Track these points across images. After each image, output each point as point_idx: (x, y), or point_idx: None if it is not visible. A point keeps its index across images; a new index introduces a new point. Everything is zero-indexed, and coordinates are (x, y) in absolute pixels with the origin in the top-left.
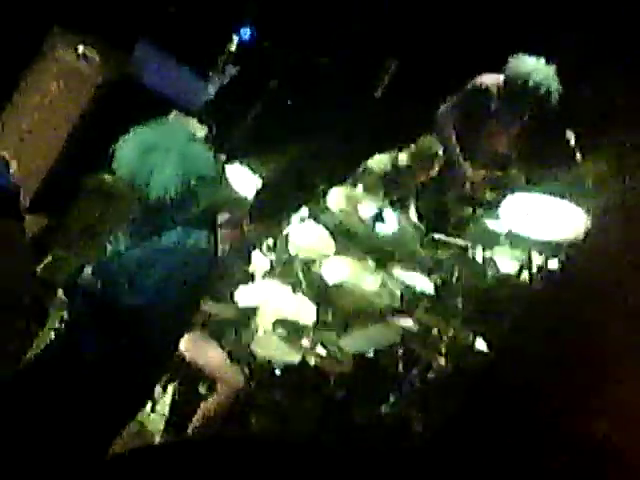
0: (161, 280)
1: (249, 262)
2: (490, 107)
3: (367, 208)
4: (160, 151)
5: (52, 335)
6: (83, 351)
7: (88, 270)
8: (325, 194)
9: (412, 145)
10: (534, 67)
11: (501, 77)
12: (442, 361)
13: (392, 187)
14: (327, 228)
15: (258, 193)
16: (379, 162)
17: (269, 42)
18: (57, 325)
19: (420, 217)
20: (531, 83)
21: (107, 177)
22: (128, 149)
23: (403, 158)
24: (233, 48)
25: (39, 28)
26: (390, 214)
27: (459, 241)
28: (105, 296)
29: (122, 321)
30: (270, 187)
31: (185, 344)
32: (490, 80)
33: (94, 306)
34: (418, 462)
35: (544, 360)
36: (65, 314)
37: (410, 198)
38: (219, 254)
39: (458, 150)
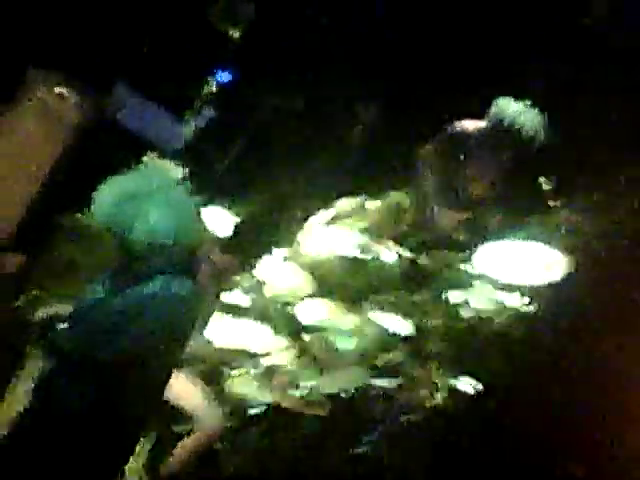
0: (143, 331)
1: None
2: (470, 151)
3: (344, 246)
4: (141, 198)
5: (29, 386)
6: (61, 404)
7: (62, 322)
8: (300, 233)
9: (380, 201)
10: (519, 111)
11: (481, 123)
12: (420, 403)
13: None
14: (303, 269)
15: (234, 231)
16: (347, 206)
17: (247, 84)
18: (34, 374)
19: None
20: (515, 128)
21: (84, 218)
22: (107, 196)
23: (371, 206)
24: (211, 90)
25: (15, 68)
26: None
27: None
28: (83, 349)
29: (102, 374)
30: (245, 225)
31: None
32: (471, 125)
33: (70, 360)
34: None
35: (524, 400)
36: (40, 363)
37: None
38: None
39: (432, 194)
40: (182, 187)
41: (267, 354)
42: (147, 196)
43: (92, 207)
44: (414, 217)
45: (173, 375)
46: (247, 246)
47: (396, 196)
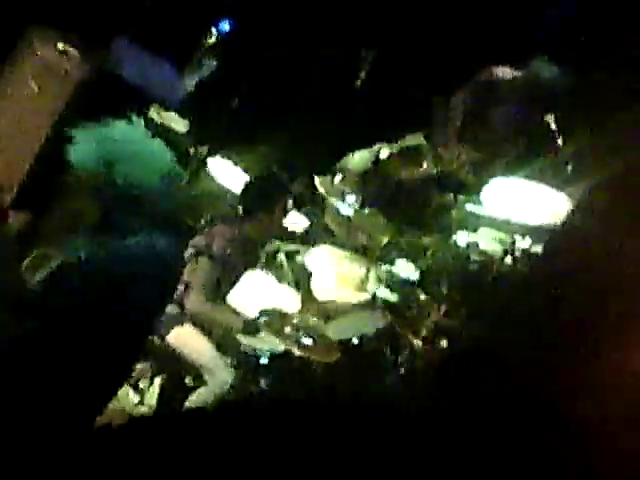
0: (124, 291)
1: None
2: (501, 99)
3: (347, 202)
4: (117, 145)
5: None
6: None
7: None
8: (310, 184)
9: (398, 142)
10: (551, 68)
11: (512, 72)
12: (429, 346)
13: (371, 183)
14: (310, 220)
15: (245, 188)
16: (360, 159)
17: (248, 34)
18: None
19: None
20: (549, 80)
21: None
22: (85, 143)
23: (385, 154)
24: (211, 41)
25: (16, 25)
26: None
27: None
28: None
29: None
30: (257, 180)
31: (174, 337)
32: (503, 73)
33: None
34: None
35: (531, 343)
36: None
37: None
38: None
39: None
40: (157, 141)
41: (276, 302)
42: (124, 144)
43: (70, 154)
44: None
45: (181, 331)
46: (262, 198)
47: (414, 138)
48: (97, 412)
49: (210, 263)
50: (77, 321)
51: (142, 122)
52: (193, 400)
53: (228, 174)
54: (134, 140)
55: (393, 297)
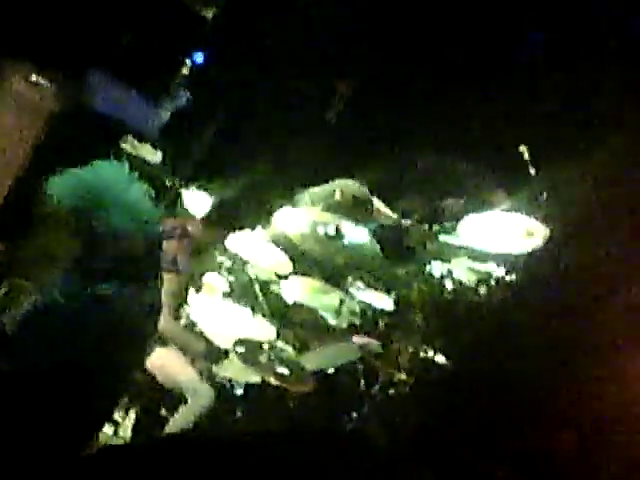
0: (94, 338)
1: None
2: None
3: (323, 226)
4: (99, 187)
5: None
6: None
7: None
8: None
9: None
10: None
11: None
12: (403, 376)
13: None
14: (284, 249)
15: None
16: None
17: (221, 65)
18: None
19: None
20: None
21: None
22: (65, 179)
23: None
24: (185, 72)
25: None
26: (348, 230)
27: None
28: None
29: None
30: (223, 204)
31: (153, 359)
32: None
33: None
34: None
35: (505, 371)
36: None
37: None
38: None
39: None
40: (139, 186)
41: (250, 333)
42: (104, 193)
43: (53, 195)
44: None
45: (162, 353)
46: (223, 222)
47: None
48: (73, 454)
49: (177, 280)
50: (48, 367)
51: (126, 165)
52: (175, 420)
53: (201, 206)
54: (117, 185)
55: (367, 327)
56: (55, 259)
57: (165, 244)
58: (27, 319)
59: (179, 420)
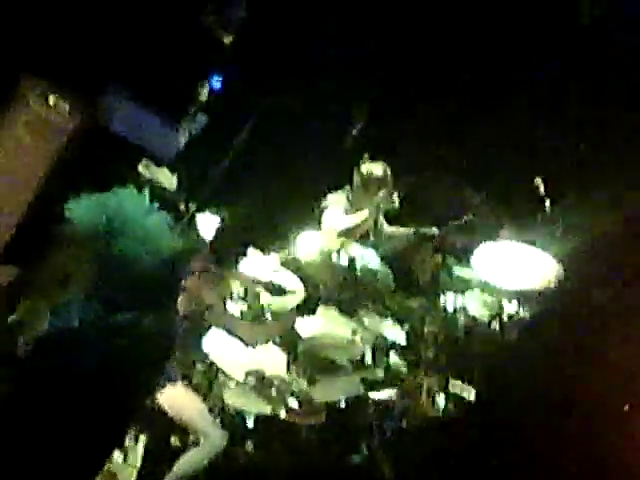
0: (109, 364)
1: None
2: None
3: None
4: (120, 215)
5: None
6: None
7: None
8: (294, 240)
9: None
10: None
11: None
12: (415, 410)
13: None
14: (299, 277)
15: (217, 234)
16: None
17: (239, 89)
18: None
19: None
20: None
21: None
22: (85, 203)
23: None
24: (204, 96)
25: (8, 77)
26: (362, 256)
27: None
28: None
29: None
30: (230, 228)
31: (166, 398)
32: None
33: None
34: None
35: (517, 406)
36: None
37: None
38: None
39: None
40: (159, 216)
41: (262, 365)
42: (125, 221)
43: (74, 219)
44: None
45: (173, 391)
46: (231, 245)
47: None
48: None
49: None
50: (63, 391)
51: (147, 194)
52: (185, 461)
53: (213, 229)
54: (137, 214)
55: (379, 360)
56: (72, 283)
57: (189, 281)
58: (41, 344)
59: (189, 462)
